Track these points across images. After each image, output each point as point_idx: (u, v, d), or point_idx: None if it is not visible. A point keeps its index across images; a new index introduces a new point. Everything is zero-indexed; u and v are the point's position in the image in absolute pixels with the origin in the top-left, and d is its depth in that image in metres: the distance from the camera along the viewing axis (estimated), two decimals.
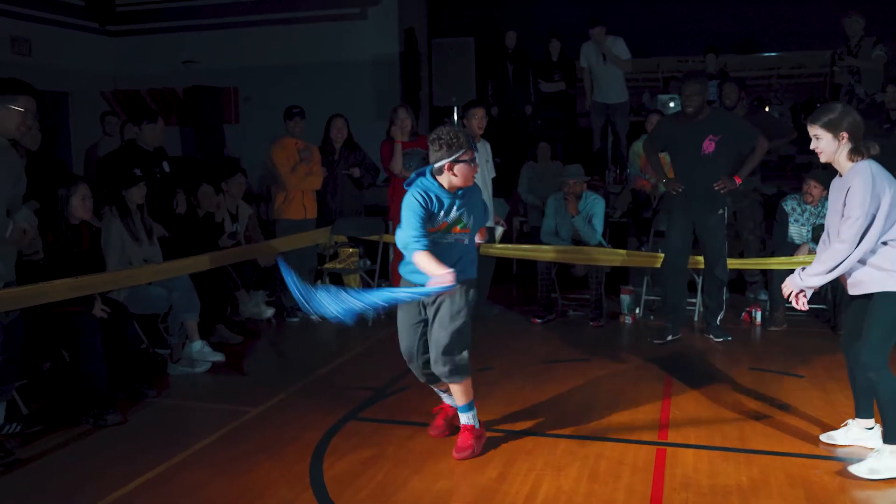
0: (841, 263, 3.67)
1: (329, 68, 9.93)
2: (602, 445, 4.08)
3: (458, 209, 3.91)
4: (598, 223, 6.90)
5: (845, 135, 3.68)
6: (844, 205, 3.66)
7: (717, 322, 6.25)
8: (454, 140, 3.79)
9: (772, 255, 6.62)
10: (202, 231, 6.45)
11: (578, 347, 6.04)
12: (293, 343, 6.45)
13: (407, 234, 3.82)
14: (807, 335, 6.33)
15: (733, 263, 7.06)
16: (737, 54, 11.20)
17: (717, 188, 5.88)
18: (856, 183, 3.61)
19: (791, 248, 6.46)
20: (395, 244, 7.22)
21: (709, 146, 5.84)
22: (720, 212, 6.02)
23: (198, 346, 5.64)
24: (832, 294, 6.50)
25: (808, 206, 6.48)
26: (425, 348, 4.08)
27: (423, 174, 3.92)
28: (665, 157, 6.44)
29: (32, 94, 4.09)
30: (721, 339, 6.15)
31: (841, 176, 3.78)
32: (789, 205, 6.57)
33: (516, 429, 4.34)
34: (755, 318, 6.69)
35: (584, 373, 5.35)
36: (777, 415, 4.50)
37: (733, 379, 5.20)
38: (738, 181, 5.93)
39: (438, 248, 3.85)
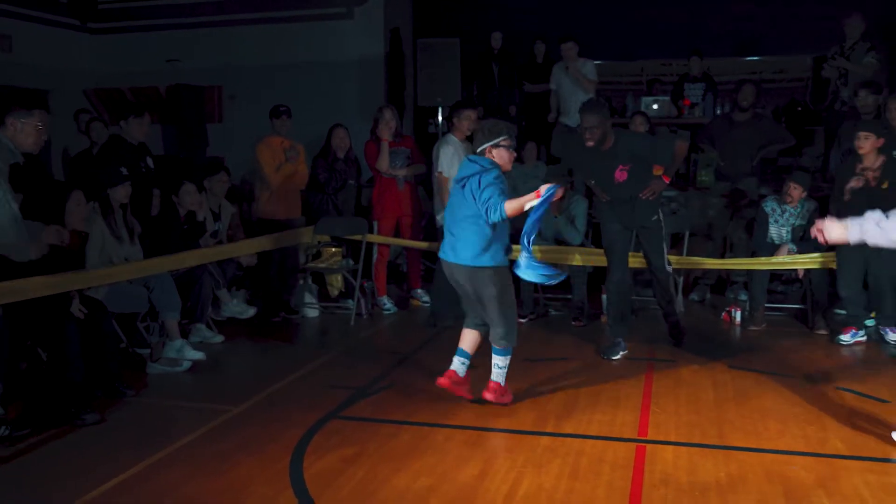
0: None
1: (314, 67, 9.90)
2: (583, 443, 4.09)
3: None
4: (581, 224, 6.93)
5: None
6: None
7: (676, 322, 6.07)
8: (494, 128, 4.49)
9: (752, 255, 6.66)
10: (184, 230, 6.42)
11: (560, 346, 6.06)
12: (274, 343, 6.43)
13: (493, 198, 4.29)
14: (785, 335, 6.37)
15: (715, 264, 7.14)
16: (720, 58, 11.29)
17: (644, 197, 5.62)
18: None
19: (771, 249, 6.51)
20: (377, 244, 7.32)
21: (621, 175, 5.55)
22: (654, 218, 5.77)
23: (178, 344, 5.61)
24: (810, 294, 6.56)
25: (788, 208, 6.54)
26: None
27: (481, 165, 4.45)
28: None
29: (44, 108, 4.18)
30: (676, 345, 6.02)
31: None
32: (769, 206, 6.64)
33: (498, 426, 4.35)
34: (735, 317, 6.73)
35: (566, 371, 5.37)
36: (755, 412, 4.54)
37: (712, 377, 5.23)
38: (667, 180, 5.66)
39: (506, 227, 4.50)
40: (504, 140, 4.44)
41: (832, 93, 8.31)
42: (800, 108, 9.00)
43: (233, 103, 10.39)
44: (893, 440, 3.96)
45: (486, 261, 4.43)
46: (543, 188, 4.13)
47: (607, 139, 5.46)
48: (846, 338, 5.96)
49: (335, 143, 7.42)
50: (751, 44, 11.13)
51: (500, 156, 4.45)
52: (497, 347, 4.58)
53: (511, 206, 4.22)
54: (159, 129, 10.02)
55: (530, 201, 4.16)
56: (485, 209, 4.30)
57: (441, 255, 4.66)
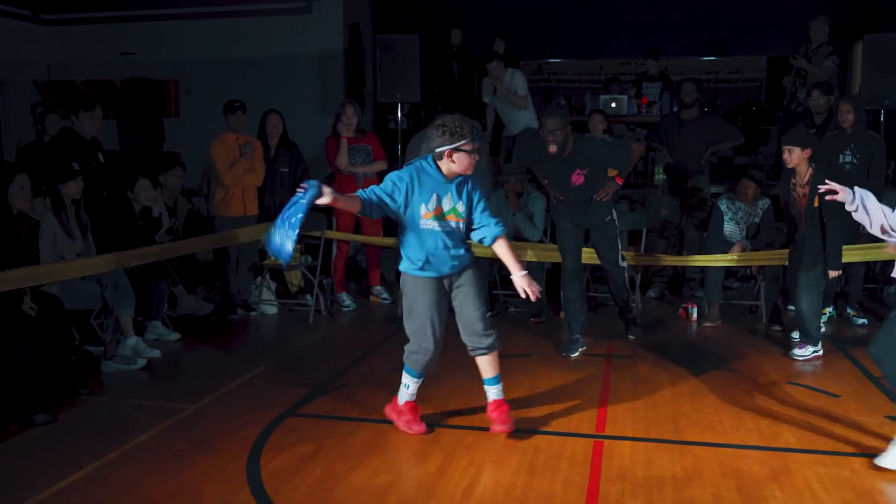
0: None
1: (273, 62, 9.80)
2: (540, 439, 4.12)
3: (454, 197, 4.05)
4: (539, 221, 6.97)
5: None
6: None
7: (632, 318, 6.22)
8: (457, 128, 3.96)
9: (708, 252, 6.75)
10: (139, 225, 6.31)
11: (519, 343, 6.08)
12: (232, 340, 6.37)
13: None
14: (740, 331, 6.48)
15: (671, 261, 7.23)
16: (677, 57, 11.44)
17: (598, 199, 5.71)
18: None
19: (726, 246, 6.61)
20: (337, 240, 7.27)
21: (577, 179, 5.61)
22: (608, 218, 5.83)
23: (132, 342, 5.54)
24: (764, 291, 6.68)
25: (742, 205, 6.65)
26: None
27: (426, 159, 4.07)
28: None
29: None
30: (634, 338, 6.17)
31: None
32: (724, 204, 6.74)
33: (457, 423, 4.36)
34: (691, 314, 6.83)
35: (525, 368, 5.39)
36: (710, 407, 4.60)
37: (669, 373, 5.29)
38: (620, 182, 5.77)
39: (440, 238, 4.03)
40: (466, 144, 3.97)
41: (790, 93, 8.48)
42: (755, 108, 9.18)
43: (189, 98, 10.24)
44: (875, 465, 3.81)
45: (401, 265, 4.19)
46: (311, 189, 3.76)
47: (567, 144, 5.50)
48: (801, 353, 5.61)
49: (268, 129, 7.31)
50: (708, 44, 11.30)
51: (461, 160, 3.98)
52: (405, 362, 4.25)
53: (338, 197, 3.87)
54: (114, 124, 9.84)
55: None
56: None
57: None
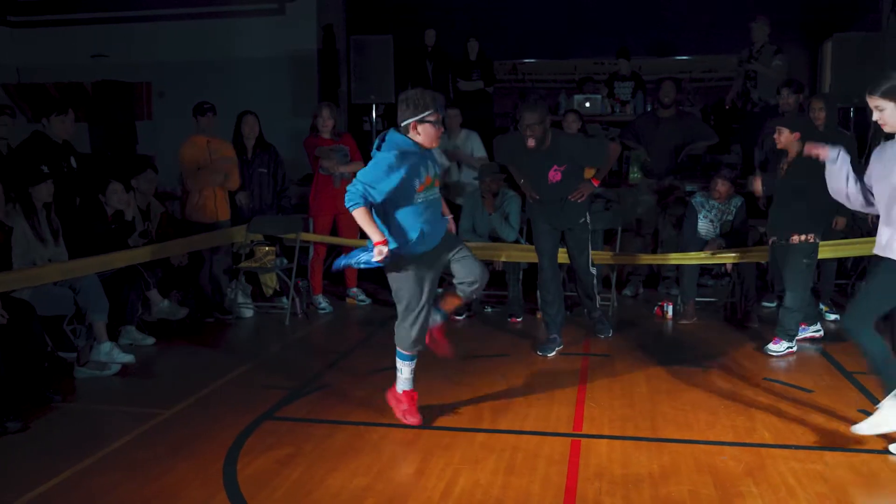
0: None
1: (246, 64, 9.76)
2: (518, 438, 4.13)
3: (432, 165, 4.16)
4: (515, 220, 6.99)
5: None
6: None
7: (598, 315, 6.27)
8: (420, 101, 3.98)
9: (683, 250, 6.81)
10: (111, 229, 6.26)
11: (496, 343, 6.11)
12: (207, 344, 6.32)
13: (358, 185, 3.93)
14: (715, 328, 6.53)
15: (646, 259, 7.29)
16: (650, 57, 11.52)
17: (573, 199, 5.74)
18: None
19: (700, 244, 6.67)
20: (314, 243, 7.25)
21: (555, 176, 5.63)
22: (582, 220, 5.87)
23: (106, 347, 5.48)
24: (739, 288, 6.74)
25: (716, 203, 6.71)
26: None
27: (399, 136, 4.05)
28: None
29: None
30: (603, 336, 6.19)
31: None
32: (698, 202, 6.79)
33: (434, 424, 4.36)
34: (667, 312, 6.88)
35: (502, 368, 5.40)
36: (686, 405, 4.64)
37: (645, 371, 5.33)
38: (596, 183, 5.83)
39: (430, 209, 4.10)
40: (430, 115, 3.99)
41: (742, 95, 8.61)
42: (728, 107, 9.28)
43: (162, 100, 10.16)
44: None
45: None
46: (377, 250, 3.93)
47: (546, 139, 5.53)
48: (776, 348, 5.67)
49: (245, 131, 7.28)
50: (681, 43, 11.39)
51: (426, 132, 4.01)
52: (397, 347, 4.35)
53: (360, 217, 3.96)
54: (86, 127, 9.73)
55: (371, 238, 3.97)
56: (350, 195, 3.98)
57: None
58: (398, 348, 4.32)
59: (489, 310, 7.23)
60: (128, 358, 5.54)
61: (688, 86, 12.16)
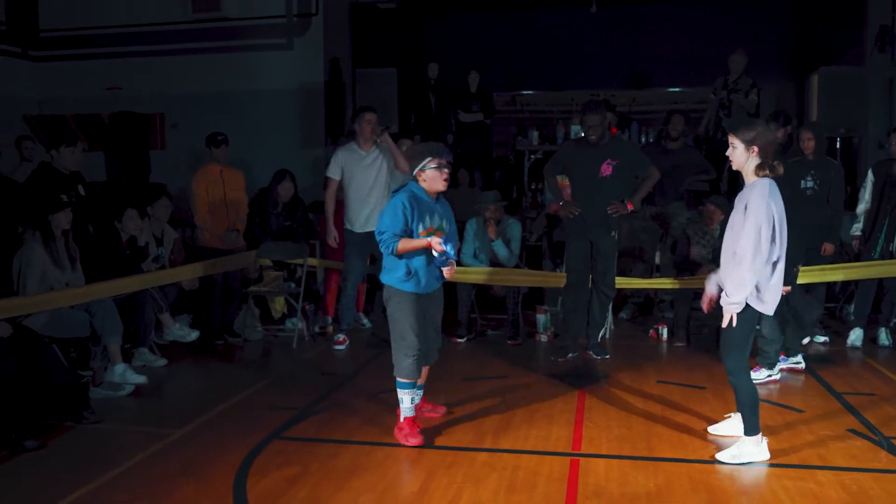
0: (748, 279, 3.95)
1: (255, 96, 9.95)
2: (519, 458, 4.24)
3: (439, 215, 4.51)
4: (516, 246, 7.16)
5: (755, 149, 3.99)
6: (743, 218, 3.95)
7: (598, 339, 6.55)
8: (419, 152, 4.48)
9: (676, 276, 6.93)
10: (126, 255, 6.42)
11: (497, 365, 6.23)
12: (217, 366, 6.45)
13: (384, 234, 4.38)
14: (708, 350, 6.61)
15: (641, 284, 7.42)
16: (643, 89, 11.79)
17: (609, 211, 6.13)
18: (752, 197, 3.93)
19: (694, 269, 6.81)
20: (323, 268, 7.41)
21: (606, 169, 6.12)
22: (613, 234, 6.28)
23: (120, 368, 5.60)
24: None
25: (707, 230, 6.88)
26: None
27: (409, 183, 4.53)
28: (564, 180, 6.68)
29: None
30: (600, 358, 6.38)
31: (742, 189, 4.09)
32: (691, 228, 6.95)
33: (437, 444, 4.47)
34: (661, 334, 7.04)
35: (502, 389, 5.52)
36: (682, 424, 4.76)
37: (641, 392, 5.46)
38: (631, 207, 6.20)
39: (425, 253, 4.44)
40: (430, 162, 4.41)
41: (715, 124, 8.83)
42: (701, 135, 9.46)
43: (175, 131, 10.37)
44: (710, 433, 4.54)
45: (385, 278, 4.55)
46: (436, 242, 4.30)
47: (605, 136, 6.18)
48: (756, 375, 5.52)
49: (281, 191, 7.47)
50: (672, 76, 11.65)
51: (431, 177, 4.43)
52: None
53: (404, 246, 4.35)
54: (102, 156, 9.97)
55: (423, 244, 4.35)
56: (378, 240, 4.43)
57: None
58: (397, 378, 4.52)
59: (490, 332, 7.37)
60: (141, 379, 5.67)
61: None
